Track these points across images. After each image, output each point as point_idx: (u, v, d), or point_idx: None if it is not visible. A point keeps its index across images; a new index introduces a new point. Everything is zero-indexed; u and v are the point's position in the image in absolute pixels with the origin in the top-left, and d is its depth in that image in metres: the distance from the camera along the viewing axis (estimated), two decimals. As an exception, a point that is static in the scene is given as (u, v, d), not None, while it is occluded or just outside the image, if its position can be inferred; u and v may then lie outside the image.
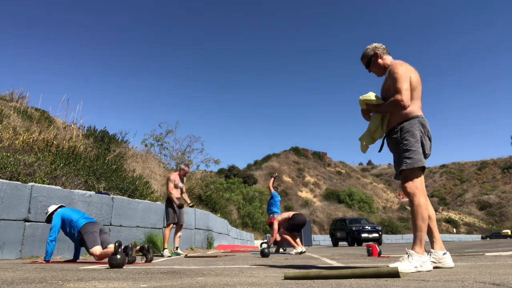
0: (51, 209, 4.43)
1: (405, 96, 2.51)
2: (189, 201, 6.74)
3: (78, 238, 4.25)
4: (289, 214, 7.46)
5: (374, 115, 2.80)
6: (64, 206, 4.58)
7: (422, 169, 2.55)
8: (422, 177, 2.56)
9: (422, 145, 2.55)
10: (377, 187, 71.55)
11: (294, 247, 7.03)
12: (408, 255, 2.38)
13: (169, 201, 6.44)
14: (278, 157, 66.26)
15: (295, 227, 7.26)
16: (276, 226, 7.42)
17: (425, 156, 2.57)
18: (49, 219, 4.38)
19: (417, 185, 2.49)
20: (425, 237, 2.48)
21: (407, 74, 2.60)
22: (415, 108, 2.63)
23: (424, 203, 2.46)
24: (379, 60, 2.87)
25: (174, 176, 6.57)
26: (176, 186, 6.51)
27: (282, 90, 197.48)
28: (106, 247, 4.30)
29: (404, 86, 2.53)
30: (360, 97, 2.85)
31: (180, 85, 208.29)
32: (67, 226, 4.31)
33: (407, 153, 2.53)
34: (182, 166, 6.89)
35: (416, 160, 2.50)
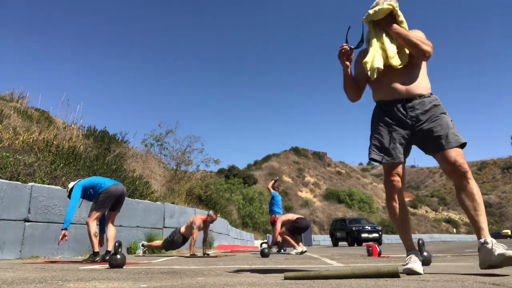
0: (71, 184, 4.53)
1: (432, 49, 2.27)
2: (205, 251, 6.36)
3: (98, 195, 4.40)
4: (294, 217, 7.46)
5: (388, 35, 2.32)
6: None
7: None
8: None
9: None
10: (377, 187, 71.51)
11: (294, 247, 7.03)
12: (492, 244, 1.95)
13: (183, 237, 6.32)
14: (278, 157, 66.23)
15: (297, 230, 7.28)
16: (279, 226, 7.43)
17: None
18: (70, 193, 4.48)
19: None
20: None
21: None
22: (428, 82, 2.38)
23: None
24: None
25: (199, 222, 6.21)
26: (198, 231, 6.26)
27: (282, 90, 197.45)
28: (111, 213, 4.57)
29: (429, 43, 2.28)
30: (385, 4, 2.29)
31: (180, 85, 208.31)
32: (91, 191, 4.44)
33: (455, 128, 2.22)
34: (211, 213, 6.34)
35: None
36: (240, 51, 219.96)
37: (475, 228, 2.07)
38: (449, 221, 62.05)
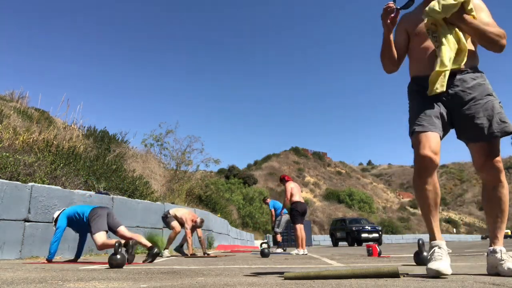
0: (56, 214, 4.43)
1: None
2: (204, 250, 6.41)
3: (87, 224, 4.20)
4: (294, 198, 7.44)
5: (450, 31, 1.93)
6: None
7: None
8: None
9: None
10: (377, 187, 71.55)
11: (297, 247, 7.03)
12: (501, 253, 1.85)
13: (169, 217, 6.36)
14: (278, 157, 66.24)
15: (299, 214, 7.26)
16: (288, 194, 7.44)
17: None
18: (55, 222, 4.36)
19: None
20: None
21: None
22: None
23: None
24: None
25: (190, 224, 6.31)
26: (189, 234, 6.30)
27: (282, 90, 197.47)
28: (117, 230, 4.29)
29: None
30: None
31: (180, 85, 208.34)
32: (74, 220, 4.30)
33: (502, 112, 1.90)
34: (198, 220, 6.40)
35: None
36: (241, 51, 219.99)
37: (490, 233, 1.94)
38: (449, 221, 62.08)
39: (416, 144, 1.94)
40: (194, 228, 6.43)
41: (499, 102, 1.92)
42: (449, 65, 1.88)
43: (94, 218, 4.16)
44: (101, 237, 4.06)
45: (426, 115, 1.97)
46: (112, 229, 4.29)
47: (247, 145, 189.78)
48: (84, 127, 11.54)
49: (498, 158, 1.86)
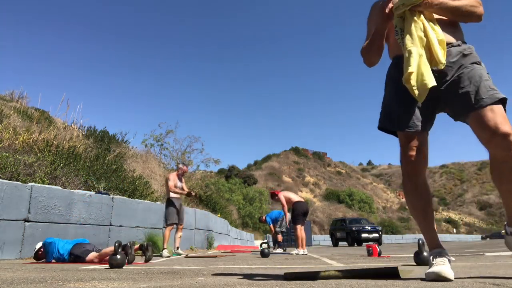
0: (38, 245, 4.42)
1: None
2: (187, 190, 6.70)
3: (71, 259, 4.17)
4: (294, 198, 7.46)
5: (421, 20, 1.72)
6: None
7: None
8: None
9: None
10: (377, 187, 71.55)
11: (297, 247, 7.03)
12: None
13: (169, 201, 6.44)
14: (278, 157, 66.25)
15: (297, 217, 7.26)
16: (283, 199, 7.46)
17: None
18: (36, 255, 4.36)
19: None
20: None
21: None
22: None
23: None
24: None
25: (173, 176, 6.57)
26: (175, 186, 6.51)
27: (282, 90, 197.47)
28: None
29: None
30: None
31: (180, 86, 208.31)
32: (55, 250, 4.25)
33: (490, 80, 1.70)
34: (181, 165, 6.87)
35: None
36: (241, 52, 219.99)
37: (507, 213, 1.78)
38: (449, 221, 62.08)
39: (401, 144, 1.82)
40: (180, 178, 6.66)
41: (487, 73, 1.72)
42: (417, 74, 1.65)
43: (79, 249, 4.18)
44: (93, 255, 4.10)
45: (406, 106, 1.79)
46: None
47: (247, 145, 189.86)
48: (84, 127, 11.55)
49: (498, 125, 1.54)
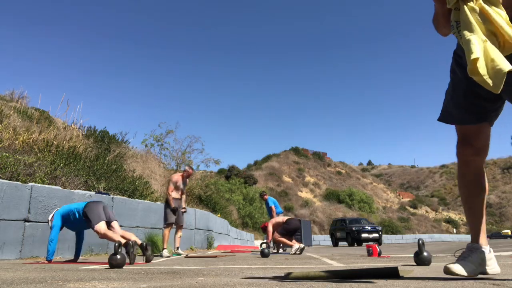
0: (51, 215, 4.43)
1: None
2: (184, 205, 6.64)
3: (83, 219, 4.22)
4: (283, 219, 7.55)
5: (493, 11, 1.42)
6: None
7: None
8: None
9: None
10: (377, 187, 71.54)
11: (291, 246, 7.04)
12: None
13: (168, 202, 6.44)
14: (278, 157, 66.22)
15: (288, 232, 7.34)
16: (270, 228, 7.51)
17: None
18: (51, 223, 4.37)
19: None
20: None
21: None
22: None
23: None
24: None
25: (177, 178, 6.51)
26: (177, 188, 6.47)
27: (282, 90, 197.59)
28: (110, 225, 4.33)
29: None
30: None
31: (180, 86, 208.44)
32: (70, 217, 4.31)
33: None
34: (187, 168, 6.76)
35: None
36: (240, 52, 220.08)
37: None
38: (449, 221, 62.06)
39: (458, 138, 1.77)
40: (184, 180, 6.59)
41: None
42: (486, 62, 1.36)
43: (91, 211, 4.20)
44: (102, 227, 4.12)
45: (463, 97, 1.71)
46: (107, 222, 4.32)
47: (247, 145, 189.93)
48: (84, 127, 11.55)
49: None
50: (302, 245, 6.98)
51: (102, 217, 4.22)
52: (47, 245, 4.17)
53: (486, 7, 1.46)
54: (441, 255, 5.11)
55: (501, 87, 1.34)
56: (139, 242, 4.24)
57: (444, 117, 1.82)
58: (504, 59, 1.36)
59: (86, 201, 4.45)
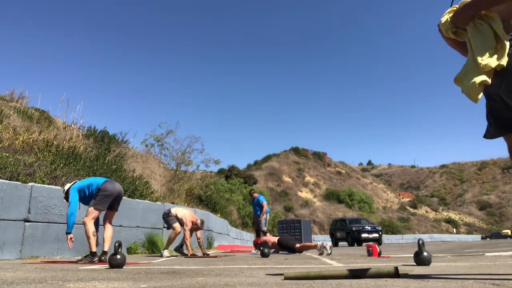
0: (67, 186, 4.54)
1: None
2: (204, 252, 6.42)
3: (95, 194, 4.38)
4: (275, 239, 7.54)
5: (479, 27, 1.72)
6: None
7: None
8: None
9: None
10: (377, 187, 71.52)
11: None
12: None
13: (168, 215, 6.32)
14: (278, 157, 66.20)
15: (286, 247, 7.38)
16: (268, 238, 7.53)
17: None
18: (66, 196, 4.49)
19: None
20: None
21: None
22: None
23: None
24: None
25: (190, 225, 6.24)
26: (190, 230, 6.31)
27: (282, 90, 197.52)
28: (109, 212, 4.57)
29: None
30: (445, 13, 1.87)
31: (181, 86, 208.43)
32: (86, 191, 4.44)
33: None
34: (199, 221, 6.32)
35: None
36: (241, 52, 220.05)
37: None
38: (449, 221, 62.06)
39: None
40: (194, 229, 6.41)
41: None
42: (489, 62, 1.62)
43: (101, 195, 4.36)
44: (93, 214, 4.31)
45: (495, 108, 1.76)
46: (108, 208, 4.51)
47: (247, 145, 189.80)
48: (84, 127, 11.53)
49: None
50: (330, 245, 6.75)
51: (103, 208, 4.42)
52: (67, 219, 4.27)
53: (472, 33, 1.73)
54: (441, 255, 5.11)
55: (479, 98, 1.62)
56: (105, 249, 4.44)
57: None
58: (480, 73, 1.63)
59: (105, 179, 4.56)
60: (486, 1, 1.69)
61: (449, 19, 1.83)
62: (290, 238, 7.49)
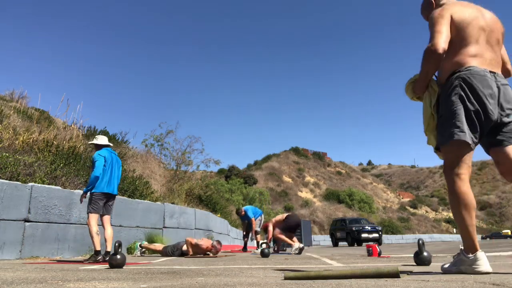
0: (99, 139, 4.81)
1: (436, 39, 1.93)
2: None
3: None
4: (283, 216, 7.57)
5: (426, 97, 2.21)
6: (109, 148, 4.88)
7: (462, 144, 1.97)
8: (464, 155, 1.97)
9: (466, 112, 1.93)
10: (377, 187, 71.49)
11: (291, 245, 7.06)
12: None
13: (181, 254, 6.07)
14: (278, 157, 66.15)
15: (290, 228, 7.35)
16: (270, 228, 7.51)
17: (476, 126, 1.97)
18: (96, 146, 4.79)
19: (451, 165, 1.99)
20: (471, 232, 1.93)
21: (445, 12, 1.99)
22: (460, 57, 1.99)
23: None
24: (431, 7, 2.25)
25: (203, 251, 6.04)
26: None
27: (282, 90, 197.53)
28: (104, 216, 4.66)
29: (436, 27, 1.96)
30: (406, 83, 2.35)
31: (181, 86, 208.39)
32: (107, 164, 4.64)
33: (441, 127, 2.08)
34: (215, 243, 6.11)
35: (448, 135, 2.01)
36: (241, 52, 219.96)
37: None
38: (449, 221, 62.01)
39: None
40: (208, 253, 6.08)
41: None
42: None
43: (96, 199, 4.49)
44: (93, 218, 4.46)
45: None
46: (102, 216, 4.64)
47: (247, 145, 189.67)
48: (84, 127, 11.53)
49: None
50: (301, 245, 6.98)
51: (99, 211, 4.54)
52: (89, 178, 4.52)
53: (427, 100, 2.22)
54: (441, 255, 5.11)
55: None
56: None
57: None
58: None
59: (106, 183, 4.64)
60: (418, 82, 2.17)
61: (411, 89, 2.29)
62: (295, 222, 7.49)
